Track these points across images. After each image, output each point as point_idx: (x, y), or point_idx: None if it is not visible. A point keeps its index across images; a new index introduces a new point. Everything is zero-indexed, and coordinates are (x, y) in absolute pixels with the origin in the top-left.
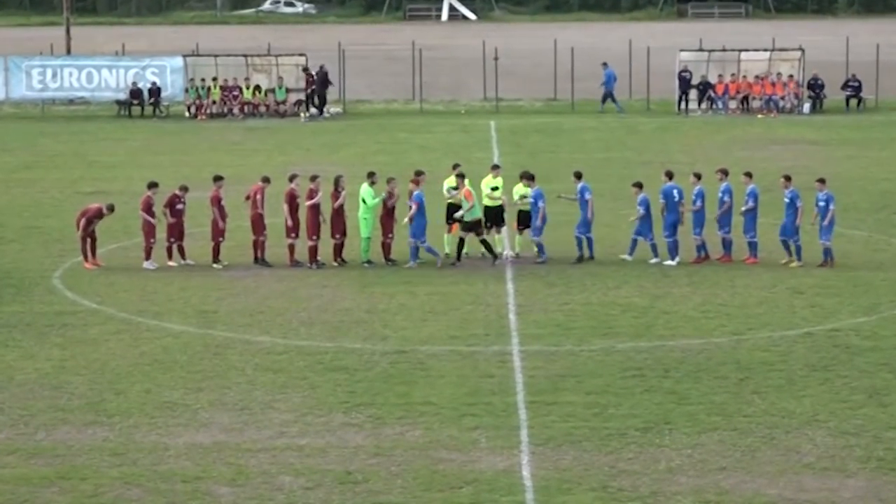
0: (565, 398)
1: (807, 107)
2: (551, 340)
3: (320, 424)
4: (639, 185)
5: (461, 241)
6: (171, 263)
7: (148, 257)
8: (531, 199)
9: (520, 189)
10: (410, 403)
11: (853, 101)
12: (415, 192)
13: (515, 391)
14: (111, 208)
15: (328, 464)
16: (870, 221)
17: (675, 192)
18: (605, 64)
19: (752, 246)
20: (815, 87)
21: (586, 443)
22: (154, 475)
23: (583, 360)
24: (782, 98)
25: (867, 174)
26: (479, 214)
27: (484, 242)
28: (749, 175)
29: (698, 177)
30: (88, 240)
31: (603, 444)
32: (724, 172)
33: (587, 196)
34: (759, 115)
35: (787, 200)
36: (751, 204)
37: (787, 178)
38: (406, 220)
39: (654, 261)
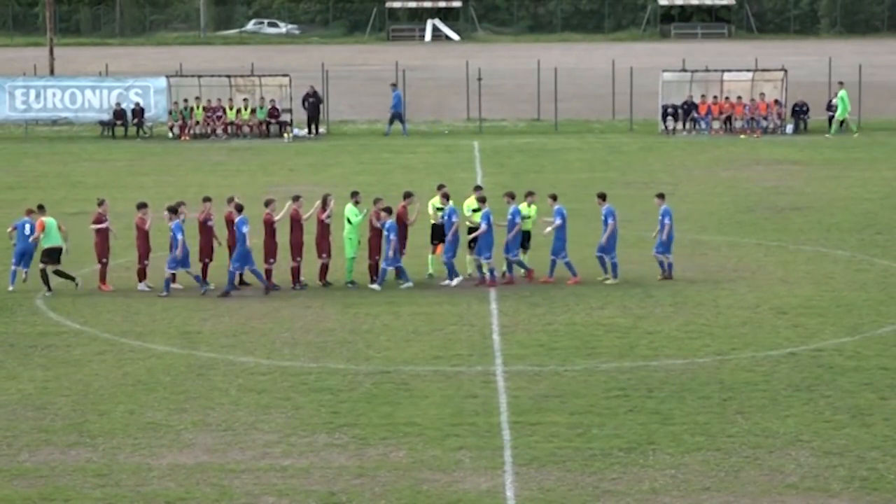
0: (549, 418)
1: (789, 128)
2: (535, 361)
3: (304, 445)
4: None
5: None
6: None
7: (141, 279)
8: (444, 216)
9: (471, 203)
10: (394, 424)
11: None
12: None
13: (499, 411)
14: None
15: (312, 484)
16: (852, 241)
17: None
18: (393, 85)
19: (602, 262)
20: (800, 112)
21: (570, 463)
22: (137, 496)
23: (566, 381)
24: (765, 118)
25: (850, 194)
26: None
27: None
28: (663, 197)
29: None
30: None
31: (587, 464)
32: (602, 197)
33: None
34: (742, 136)
35: (661, 218)
36: (611, 223)
37: (661, 197)
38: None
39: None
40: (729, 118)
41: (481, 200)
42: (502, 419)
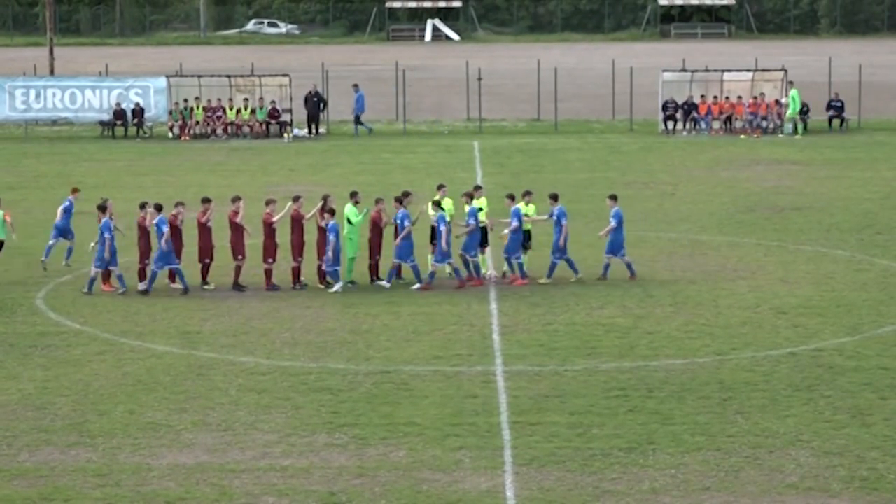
0: (549, 418)
1: (789, 127)
2: (535, 361)
3: (304, 445)
4: (613, 198)
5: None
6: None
7: (142, 279)
8: (397, 219)
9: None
10: (394, 424)
11: (836, 122)
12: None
13: (499, 411)
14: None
15: (312, 484)
16: (852, 241)
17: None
18: (355, 86)
19: (520, 266)
20: (800, 112)
21: (570, 463)
22: (137, 496)
23: (566, 381)
24: (764, 118)
25: (850, 194)
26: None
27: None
28: (615, 199)
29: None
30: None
31: (587, 464)
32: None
33: (514, 222)
34: (742, 136)
35: (612, 219)
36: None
37: (613, 198)
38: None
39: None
40: (729, 118)
41: (468, 197)
42: (502, 419)
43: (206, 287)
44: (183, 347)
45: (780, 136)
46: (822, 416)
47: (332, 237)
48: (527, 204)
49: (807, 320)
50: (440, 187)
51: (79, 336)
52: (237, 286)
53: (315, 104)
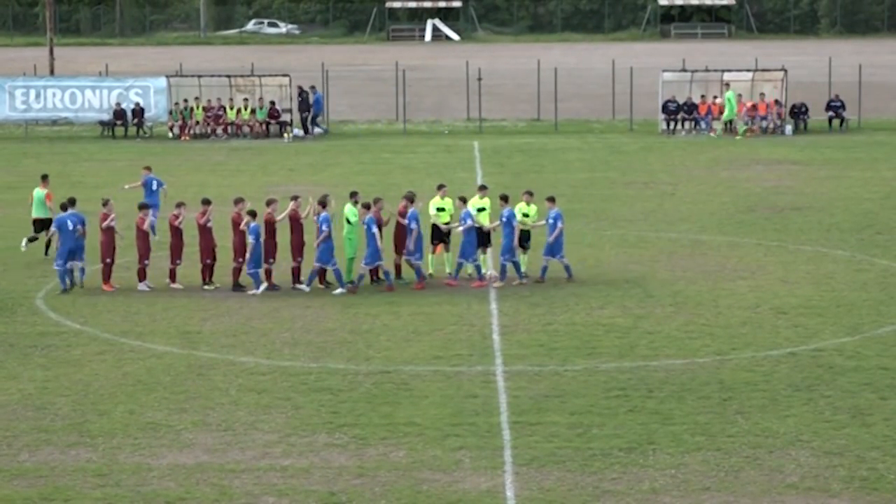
0: (549, 418)
1: (789, 129)
2: (535, 361)
3: (304, 445)
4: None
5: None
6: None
7: (142, 279)
8: (407, 221)
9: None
10: (394, 424)
11: (836, 122)
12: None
13: (499, 411)
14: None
15: (312, 484)
16: (852, 241)
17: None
18: (313, 87)
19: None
20: (799, 112)
21: (570, 463)
22: (137, 496)
23: (566, 381)
24: (764, 118)
25: (850, 194)
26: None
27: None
28: (553, 201)
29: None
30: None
31: (587, 464)
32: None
33: (513, 221)
34: (742, 136)
35: (550, 221)
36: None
37: (552, 200)
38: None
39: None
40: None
41: (462, 200)
42: (502, 419)
43: (206, 287)
44: (183, 347)
45: (712, 136)
46: (822, 416)
47: (325, 228)
48: (528, 204)
49: (807, 320)
50: (440, 187)
51: (79, 336)
52: (237, 286)
53: (300, 102)
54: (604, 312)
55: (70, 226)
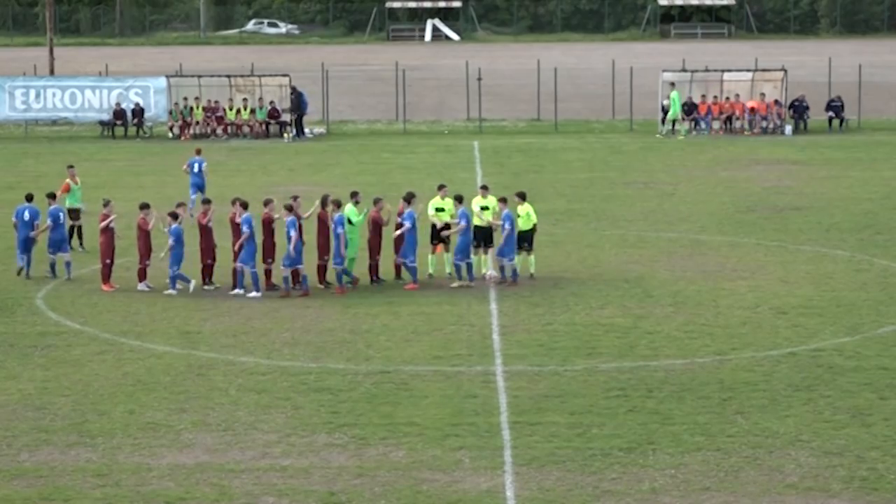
0: (549, 418)
1: (788, 129)
2: (535, 361)
3: (304, 445)
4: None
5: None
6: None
7: (142, 279)
8: (401, 220)
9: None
10: (394, 424)
11: (836, 122)
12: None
13: (499, 411)
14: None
15: (311, 484)
16: (852, 241)
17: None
18: (293, 88)
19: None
20: (799, 108)
21: (570, 463)
22: (137, 496)
23: (566, 381)
24: (764, 118)
25: (850, 194)
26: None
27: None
28: (505, 202)
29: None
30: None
31: (586, 464)
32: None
33: (463, 221)
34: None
35: (501, 222)
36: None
37: (503, 201)
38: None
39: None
40: (729, 118)
41: (458, 200)
42: (502, 419)
43: (207, 287)
44: (183, 347)
45: (658, 136)
46: (822, 416)
47: (339, 230)
48: (484, 197)
49: (807, 320)
50: (440, 187)
51: (79, 336)
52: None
53: (293, 101)
54: (603, 312)
55: (27, 217)
